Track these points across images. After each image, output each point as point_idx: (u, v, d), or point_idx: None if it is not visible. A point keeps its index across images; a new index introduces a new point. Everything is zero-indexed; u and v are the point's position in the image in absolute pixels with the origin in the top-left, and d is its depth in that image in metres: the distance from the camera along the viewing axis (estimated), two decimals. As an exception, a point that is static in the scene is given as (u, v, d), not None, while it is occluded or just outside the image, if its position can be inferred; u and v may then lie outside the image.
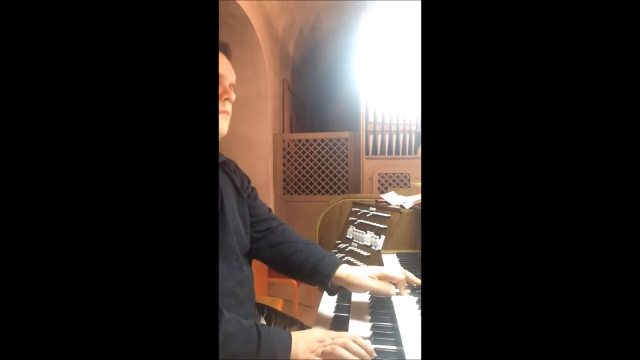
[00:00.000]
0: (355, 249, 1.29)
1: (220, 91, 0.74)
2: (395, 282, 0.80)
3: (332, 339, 0.63)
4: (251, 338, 0.60)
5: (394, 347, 0.65)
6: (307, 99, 5.49)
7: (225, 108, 0.76)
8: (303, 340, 0.63)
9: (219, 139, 0.74)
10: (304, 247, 0.88)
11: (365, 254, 1.23)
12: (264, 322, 0.94)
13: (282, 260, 0.88)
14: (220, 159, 0.84)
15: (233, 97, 0.76)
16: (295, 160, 3.63)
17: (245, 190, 0.88)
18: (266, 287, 2.45)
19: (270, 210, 0.95)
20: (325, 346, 0.62)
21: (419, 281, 0.82)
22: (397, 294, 0.80)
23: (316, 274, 0.82)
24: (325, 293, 1.00)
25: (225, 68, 0.76)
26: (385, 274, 0.79)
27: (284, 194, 3.69)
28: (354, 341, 0.62)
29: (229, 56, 0.79)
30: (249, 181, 0.93)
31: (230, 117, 0.78)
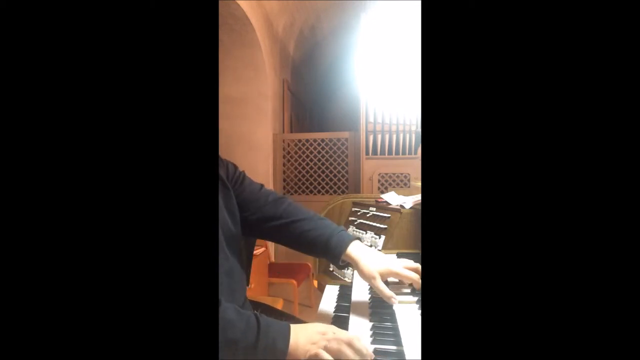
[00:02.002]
0: (355, 249, 1.28)
1: None
2: (406, 281, 0.78)
3: (334, 333, 0.62)
4: (250, 326, 0.60)
5: (394, 347, 0.65)
6: (307, 99, 5.49)
7: None
8: (304, 331, 0.63)
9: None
10: (312, 224, 0.84)
11: (365, 254, 1.23)
12: None
13: (291, 240, 0.86)
14: None
15: None
16: (295, 160, 3.63)
17: (231, 180, 0.86)
18: (266, 287, 2.45)
19: (262, 186, 0.92)
20: (328, 340, 0.61)
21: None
22: (407, 300, 0.80)
23: (327, 252, 0.81)
24: (325, 292, 1.00)
25: None
26: (396, 272, 0.77)
27: (284, 194, 3.69)
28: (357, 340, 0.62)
29: None
30: (234, 167, 0.90)
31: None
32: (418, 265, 0.80)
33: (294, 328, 0.63)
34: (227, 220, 0.81)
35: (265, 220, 0.87)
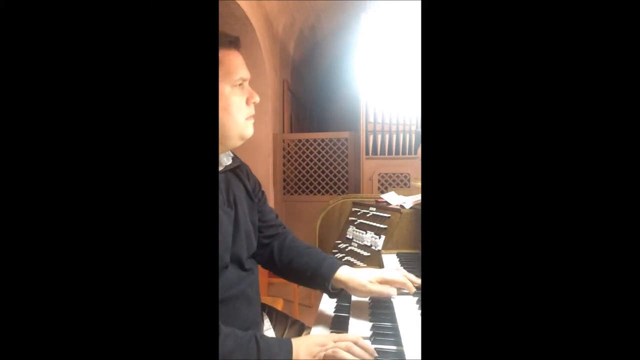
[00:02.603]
0: (355, 249, 1.29)
1: (247, 96, 0.75)
2: (396, 285, 0.80)
3: (335, 342, 0.63)
4: (250, 352, 0.60)
5: (394, 347, 0.65)
6: (307, 99, 5.49)
7: (252, 111, 0.76)
8: (304, 346, 0.63)
9: (246, 140, 0.76)
10: (303, 251, 0.88)
11: (365, 254, 1.23)
12: (268, 320, 0.94)
13: (283, 266, 0.89)
14: (235, 164, 0.84)
15: (257, 98, 0.76)
16: (295, 160, 3.63)
17: (256, 195, 0.89)
18: (266, 287, 2.45)
19: (277, 216, 0.96)
20: (327, 350, 0.61)
21: (419, 281, 0.82)
22: (405, 293, 0.80)
23: (316, 278, 0.83)
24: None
25: (243, 66, 0.75)
26: (385, 279, 0.79)
27: (284, 194, 3.69)
28: (356, 343, 0.62)
29: (239, 49, 0.77)
30: (259, 186, 0.93)
31: None
32: (403, 270, 0.83)
33: (295, 343, 0.63)
34: (250, 233, 0.82)
35: (269, 246, 0.90)
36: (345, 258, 1.26)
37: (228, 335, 0.60)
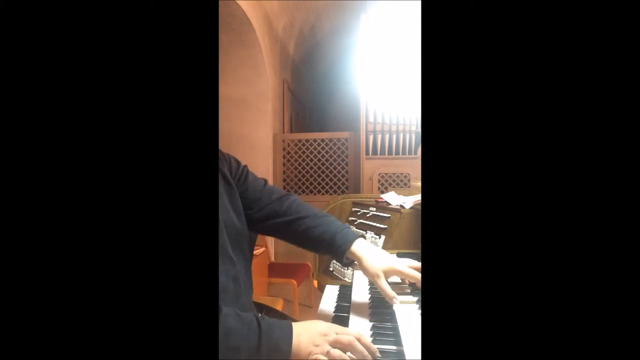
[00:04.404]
0: (355, 249, 1.29)
1: None
2: (411, 281, 0.78)
3: (337, 333, 0.62)
4: (251, 331, 0.59)
5: (394, 347, 0.65)
6: (307, 99, 5.49)
7: None
8: (306, 333, 0.62)
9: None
10: (317, 221, 0.84)
11: (365, 254, 1.23)
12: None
13: (295, 237, 0.85)
14: None
15: None
16: (295, 160, 3.63)
17: (235, 176, 0.85)
18: (266, 287, 2.45)
19: (265, 182, 0.90)
20: (330, 342, 0.61)
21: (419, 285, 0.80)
22: (407, 293, 0.79)
23: (331, 249, 0.80)
24: (325, 292, 1.00)
25: None
26: (400, 271, 0.76)
27: (284, 194, 3.69)
28: (359, 340, 0.61)
29: None
30: (237, 163, 0.89)
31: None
32: (420, 265, 0.79)
33: (296, 327, 0.62)
34: (234, 220, 0.80)
35: (269, 218, 0.86)
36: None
37: (228, 314, 0.60)
